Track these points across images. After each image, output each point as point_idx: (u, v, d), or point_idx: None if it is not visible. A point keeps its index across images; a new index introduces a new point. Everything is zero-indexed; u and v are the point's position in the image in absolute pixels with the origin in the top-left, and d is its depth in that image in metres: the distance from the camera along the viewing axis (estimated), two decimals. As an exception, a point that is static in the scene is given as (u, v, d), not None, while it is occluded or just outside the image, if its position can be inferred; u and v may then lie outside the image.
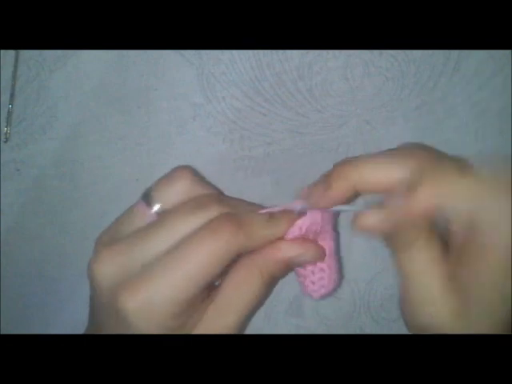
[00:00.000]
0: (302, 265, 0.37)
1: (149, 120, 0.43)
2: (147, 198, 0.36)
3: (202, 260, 0.32)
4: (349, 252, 0.45)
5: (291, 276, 0.39)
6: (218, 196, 0.37)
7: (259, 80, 0.42)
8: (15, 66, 0.41)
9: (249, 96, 0.42)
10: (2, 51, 0.40)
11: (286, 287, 0.46)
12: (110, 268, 0.33)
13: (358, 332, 0.48)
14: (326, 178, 0.35)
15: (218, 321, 0.35)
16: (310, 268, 0.37)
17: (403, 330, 0.40)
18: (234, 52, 0.41)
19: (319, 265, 0.37)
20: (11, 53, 0.40)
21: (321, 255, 0.37)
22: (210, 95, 0.42)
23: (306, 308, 0.48)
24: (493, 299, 0.33)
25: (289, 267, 0.36)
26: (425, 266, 0.33)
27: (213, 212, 0.34)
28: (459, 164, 0.32)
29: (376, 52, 0.41)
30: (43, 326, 0.46)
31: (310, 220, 0.36)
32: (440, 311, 0.33)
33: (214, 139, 0.43)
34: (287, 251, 0.35)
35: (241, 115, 0.43)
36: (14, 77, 0.41)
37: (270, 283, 0.36)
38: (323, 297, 0.38)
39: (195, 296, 0.33)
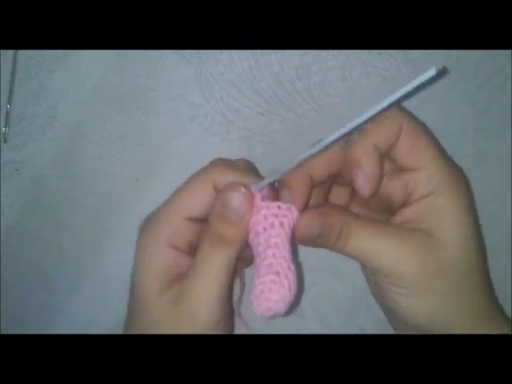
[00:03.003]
0: (238, 212, 0.35)
1: (148, 120, 0.43)
2: None
3: (185, 189, 0.38)
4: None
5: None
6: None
7: (257, 80, 0.42)
8: (13, 66, 0.41)
9: (247, 96, 0.42)
10: (2, 51, 0.40)
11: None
12: None
13: (357, 332, 0.48)
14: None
15: (190, 286, 0.36)
16: (259, 279, 0.34)
17: (403, 330, 0.39)
18: (233, 52, 0.41)
19: (268, 273, 0.34)
20: (10, 53, 0.41)
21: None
22: (208, 95, 0.42)
23: (305, 308, 0.48)
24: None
25: (228, 221, 0.35)
26: (368, 242, 0.36)
27: None
28: None
29: (375, 52, 0.41)
30: (43, 325, 0.46)
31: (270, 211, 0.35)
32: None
33: (213, 139, 0.43)
34: (216, 198, 0.36)
35: (239, 115, 0.43)
36: (13, 77, 0.41)
37: (224, 247, 0.36)
38: (271, 314, 0.34)
39: (185, 225, 0.37)
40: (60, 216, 0.45)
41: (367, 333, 0.47)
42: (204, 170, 0.38)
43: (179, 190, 0.38)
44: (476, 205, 0.39)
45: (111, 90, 0.42)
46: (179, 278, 0.37)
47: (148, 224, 0.38)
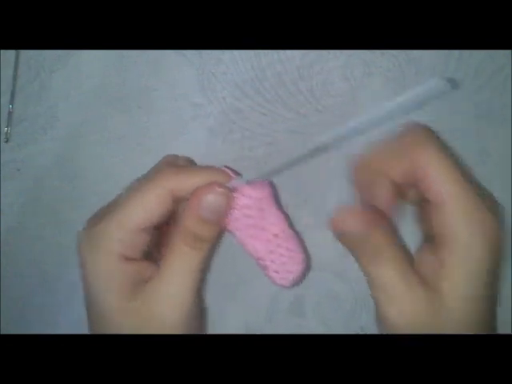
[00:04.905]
0: (217, 212, 0.35)
1: (149, 120, 0.43)
2: None
3: (139, 198, 0.35)
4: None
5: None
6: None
7: (260, 80, 0.42)
8: (15, 66, 0.41)
9: (249, 96, 0.42)
10: (3, 51, 0.40)
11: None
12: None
13: (358, 332, 0.48)
14: None
15: (162, 289, 0.35)
16: (268, 258, 0.36)
17: (403, 330, 0.39)
18: (235, 52, 0.41)
19: (278, 250, 0.36)
20: (12, 53, 0.41)
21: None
22: (210, 95, 0.42)
23: (306, 308, 0.48)
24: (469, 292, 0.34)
25: (206, 221, 0.35)
26: (391, 279, 0.34)
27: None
28: None
29: (377, 52, 0.42)
30: (43, 325, 0.46)
31: (255, 192, 0.35)
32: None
33: (215, 139, 0.43)
34: (192, 199, 0.35)
35: (241, 115, 0.43)
36: (15, 77, 0.41)
37: (200, 246, 0.35)
38: (295, 282, 0.37)
39: (139, 235, 0.35)
40: (61, 216, 0.45)
41: (368, 333, 0.47)
42: (158, 176, 0.36)
43: (129, 199, 0.35)
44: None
45: (113, 90, 0.42)
46: (143, 284, 0.36)
47: (94, 236, 0.36)
